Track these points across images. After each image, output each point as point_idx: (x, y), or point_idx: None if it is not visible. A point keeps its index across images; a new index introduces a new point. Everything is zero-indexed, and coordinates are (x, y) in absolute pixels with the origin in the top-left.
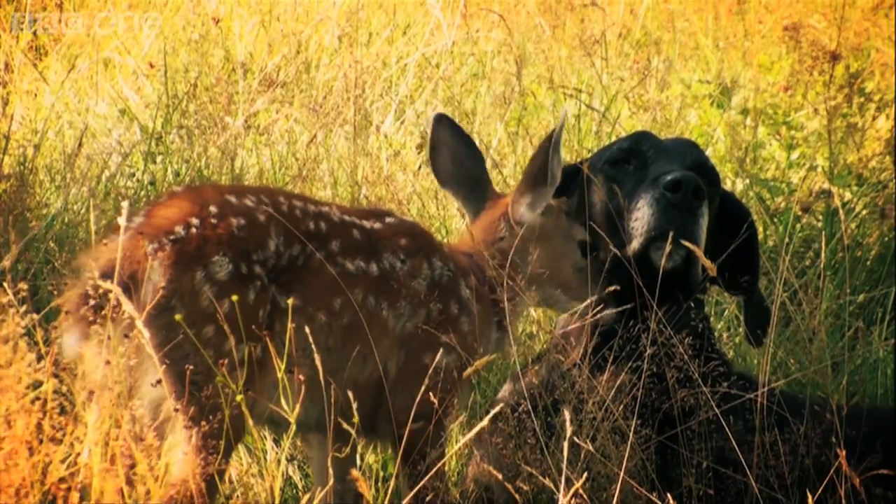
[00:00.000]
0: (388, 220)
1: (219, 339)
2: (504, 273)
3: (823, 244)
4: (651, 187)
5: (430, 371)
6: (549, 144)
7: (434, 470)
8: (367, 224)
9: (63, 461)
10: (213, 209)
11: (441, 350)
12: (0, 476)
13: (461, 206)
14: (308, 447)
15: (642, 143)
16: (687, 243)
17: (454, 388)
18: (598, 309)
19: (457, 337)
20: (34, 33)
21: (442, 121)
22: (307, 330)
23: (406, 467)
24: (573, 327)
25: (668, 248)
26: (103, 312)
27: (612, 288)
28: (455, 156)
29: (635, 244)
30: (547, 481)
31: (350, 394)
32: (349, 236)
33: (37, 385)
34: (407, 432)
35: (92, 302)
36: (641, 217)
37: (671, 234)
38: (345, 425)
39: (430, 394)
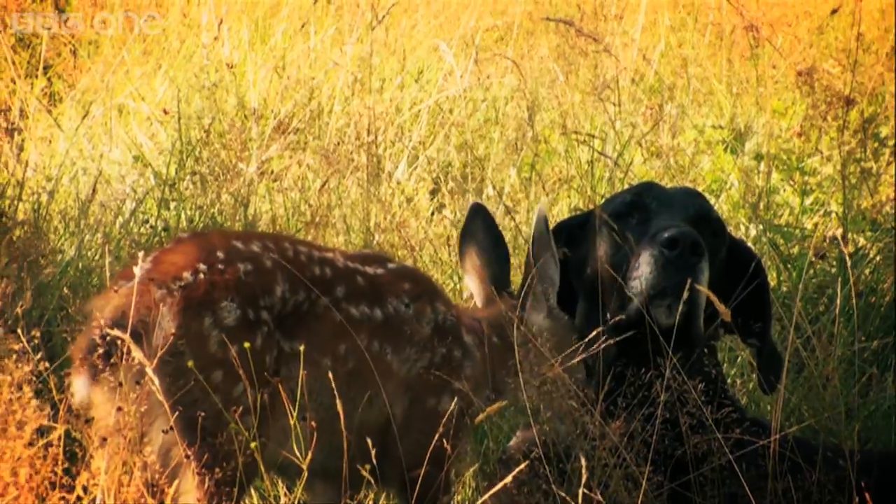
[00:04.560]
0: (389, 265)
1: (227, 385)
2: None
3: (839, 290)
4: (649, 245)
5: (437, 416)
6: (533, 250)
7: None
8: (369, 270)
9: None
10: (220, 255)
11: (446, 395)
12: None
13: (473, 293)
14: (313, 495)
15: (645, 195)
16: (702, 288)
17: (462, 434)
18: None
19: (460, 382)
20: (49, 80)
21: (478, 212)
22: (324, 375)
23: None
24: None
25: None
26: (112, 360)
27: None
28: (481, 250)
29: (634, 304)
30: None
31: (369, 440)
32: (353, 282)
33: (47, 431)
34: (414, 478)
35: (101, 350)
36: (640, 276)
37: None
38: (363, 472)
39: (437, 439)
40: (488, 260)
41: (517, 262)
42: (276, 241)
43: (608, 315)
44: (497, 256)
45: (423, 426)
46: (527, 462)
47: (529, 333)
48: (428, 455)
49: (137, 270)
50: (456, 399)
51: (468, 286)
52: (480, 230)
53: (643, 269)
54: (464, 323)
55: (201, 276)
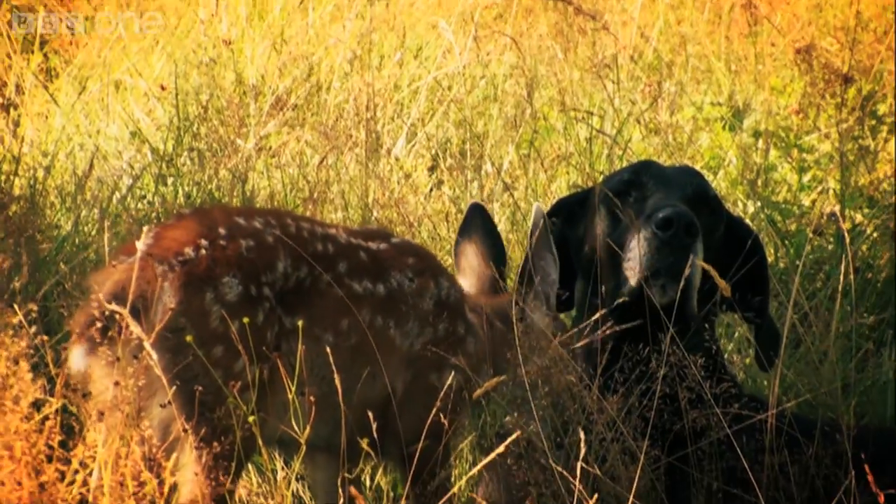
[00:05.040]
0: (392, 240)
1: (228, 360)
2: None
3: (843, 267)
4: (644, 225)
5: (438, 391)
6: (531, 250)
7: (446, 495)
8: (372, 245)
9: (70, 483)
10: (221, 231)
11: (447, 370)
12: (2, 496)
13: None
14: (312, 468)
15: (643, 174)
16: (702, 263)
17: (461, 408)
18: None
19: (463, 357)
20: (45, 55)
21: (477, 211)
22: (325, 350)
23: (415, 488)
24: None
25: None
26: (110, 334)
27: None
28: (479, 250)
29: (631, 283)
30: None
31: (370, 414)
32: (356, 258)
33: (43, 405)
34: (413, 452)
35: (99, 324)
36: (634, 257)
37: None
38: (363, 445)
39: (436, 413)
40: (485, 261)
41: (516, 254)
42: (277, 217)
43: (605, 293)
44: (494, 258)
45: (423, 401)
46: (519, 434)
47: (529, 327)
48: (427, 429)
49: (140, 245)
50: (456, 374)
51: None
52: (478, 230)
53: (636, 251)
54: (466, 301)
55: (203, 251)
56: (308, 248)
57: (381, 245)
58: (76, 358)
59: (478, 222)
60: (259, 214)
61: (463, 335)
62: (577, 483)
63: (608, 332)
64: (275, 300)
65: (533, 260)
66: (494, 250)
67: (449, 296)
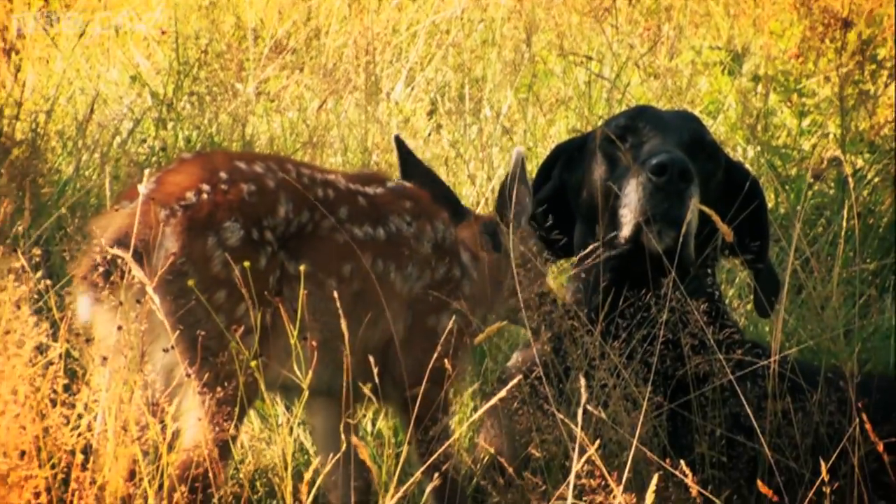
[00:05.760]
0: (388, 184)
1: (230, 305)
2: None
3: (844, 212)
4: (638, 171)
5: (437, 334)
6: (509, 181)
7: (447, 440)
8: (370, 190)
9: (74, 427)
10: (223, 175)
11: (445, 313)
12: (7, 440)
13: None
14: (312, 413)
15: (639, 119)
16: (704, 208)
17: (461, 352)
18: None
19: (460, 300)
20: (46, 0)
21: (400, 143)
22: (328, 295)
23: (417, 433)
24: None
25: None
26: (112, 279)
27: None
28: (429, 182)
29: (626, 230)
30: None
31: (371, 359)
32: (355, 203)
33: (46, 350)
34: (414, 396)
35: (101, 269)
36: (629, 203)
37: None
38: (364, 390)
39: (438, 356)
40: (441, 191)
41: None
42: (278, 162)
43: (603, 238)
44: (431, 180)
45: (423, 345)
46: (521, 378)
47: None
48: (428, 373)
49: (142, 189)
50: (455, 318)
51: None
52: (413, 162)
53: (631, 197)
54: (462, 241)
55: (204, 196)
56: (309, 194)
57: (377, 189)
58: (82, 308)
59: (412, 159)
60: (260, 159)
61: (459, 278)
62: (578, 429)
63: (602, 267)
64: (277, 245)
65: (509, 193)
66: (438, 178)
67: (445, 238)
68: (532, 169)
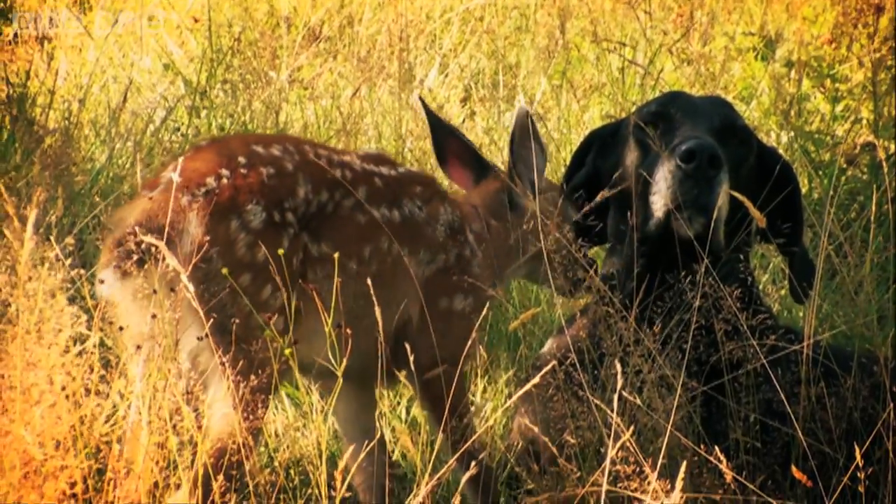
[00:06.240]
0: (399, 168)
1: (255, 289)
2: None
3: (877, 197)
4: (668, 157)
5: (450, 316)
6: (513, 138)
7: (476, 428)
8: (384, 171)
9: (110, 416)
10: (241, 159)
11: (458, 295)
12: (42, 430)
13: (457, 180)
14: (335, 398)
15: (671, 105)
16: (737, 195)
17: (472, 332)
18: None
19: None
20: None
21: (423, 104)
22: (353, 277)
23: (435, 413)
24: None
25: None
26: (147, 266)
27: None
28: (455, 137)
29: (656, 216)
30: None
31: (407, 346)
32: (372, 184)
33: (81, 339)
34: (430, 378)
35: (134, 256)
36: (659, 190)
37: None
38: (399, 376)
39: (454, 336)
40: (466, 146)
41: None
42: (295, 144)
43: (635, 224)
44: (457, 138)
45: (437, 326)
46: (555, 364)
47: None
48: (442, 354)
49: (174, 176)
50: (466, 299)
51: (450, 176)
52: (437, 122)
53: (661, 185)
54: (466, 218)
55: (224, 180)
56: (327, 176)
57: (391, 171)
58: (107, 282)
59: (433, 117)
60: (276, 142)
61: (469, 258)
62: (614, 415)
63: (637, 253)
64: (298, 227)
65: (517, 151)
66: (459, 134)
67: (454, 221)
68: (566, 155)
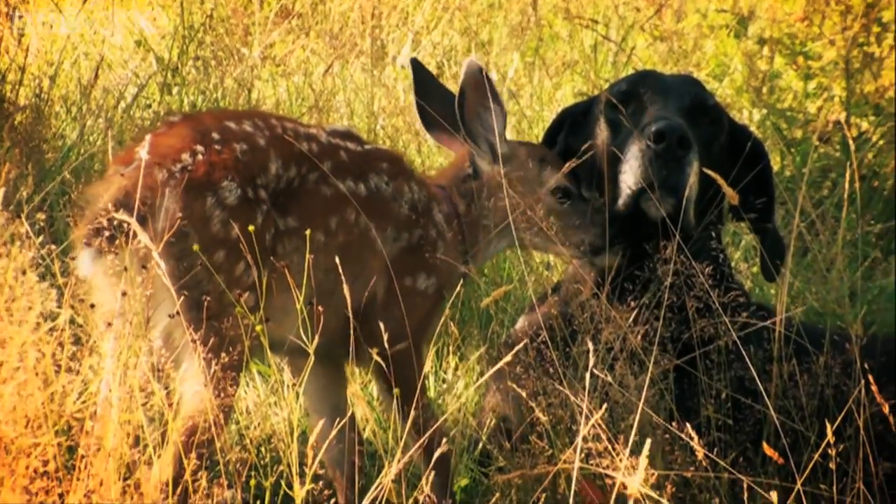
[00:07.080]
0: (364, 144)
1: (229, 265)
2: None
3: (847, 174)
4: (637, 138)
5: (413, 294)
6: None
7: (456, 404)
8: (350, 145)
9: (81, 393)
10: (215, 135)
11: (422, 273)
12: (13, 407)
13: (448, 147)
14: (295, 371)
15: (641, 84)
16: (711, 173)
17: (435, 311)
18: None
19: (435, 260)
20: None
21: (419, 69)
22: (320, 250)
23: (389, 390)
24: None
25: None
26: (117, 242)
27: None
28: (438, 100)
29: (625, 196)
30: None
31: (385, 324)
32: (337, 157)
33: (52, 316)
34: (391, 354)
35: (107, 233)
36: (628, 170)
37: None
38: (373, 355)
39: (414, 316)
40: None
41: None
42: (263, 118)
43: (606, 203)
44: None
45: (400, 304)
46: (528, 342)
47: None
48: (403, 331)
49: (143, 153)
50: (429, 278)
51: (437, 142)
52: (428, 82)
53: (631, 164)
54: (434, 199)
55: (199, 156)
56: (295, 149)
57: (357, 146)
58: (84, 262)
59: (425, 77)
60: (246, 117)
61: (434, 239)
62: (585, 393)
63: (612, 230)
64: (269, 202)
65: (470, 112)
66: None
67: (419, 200)
68: (538, 133)
